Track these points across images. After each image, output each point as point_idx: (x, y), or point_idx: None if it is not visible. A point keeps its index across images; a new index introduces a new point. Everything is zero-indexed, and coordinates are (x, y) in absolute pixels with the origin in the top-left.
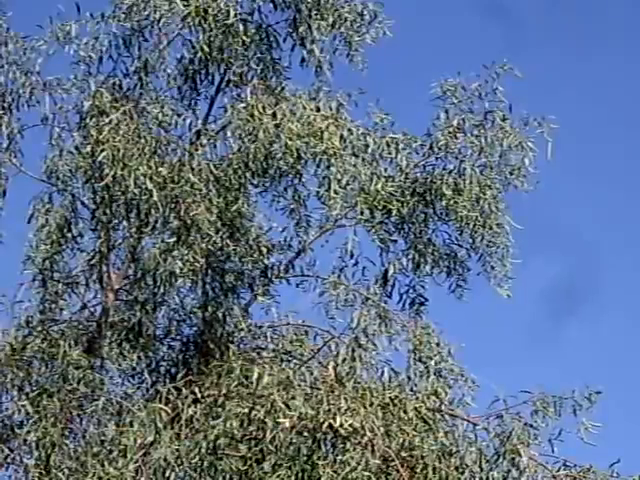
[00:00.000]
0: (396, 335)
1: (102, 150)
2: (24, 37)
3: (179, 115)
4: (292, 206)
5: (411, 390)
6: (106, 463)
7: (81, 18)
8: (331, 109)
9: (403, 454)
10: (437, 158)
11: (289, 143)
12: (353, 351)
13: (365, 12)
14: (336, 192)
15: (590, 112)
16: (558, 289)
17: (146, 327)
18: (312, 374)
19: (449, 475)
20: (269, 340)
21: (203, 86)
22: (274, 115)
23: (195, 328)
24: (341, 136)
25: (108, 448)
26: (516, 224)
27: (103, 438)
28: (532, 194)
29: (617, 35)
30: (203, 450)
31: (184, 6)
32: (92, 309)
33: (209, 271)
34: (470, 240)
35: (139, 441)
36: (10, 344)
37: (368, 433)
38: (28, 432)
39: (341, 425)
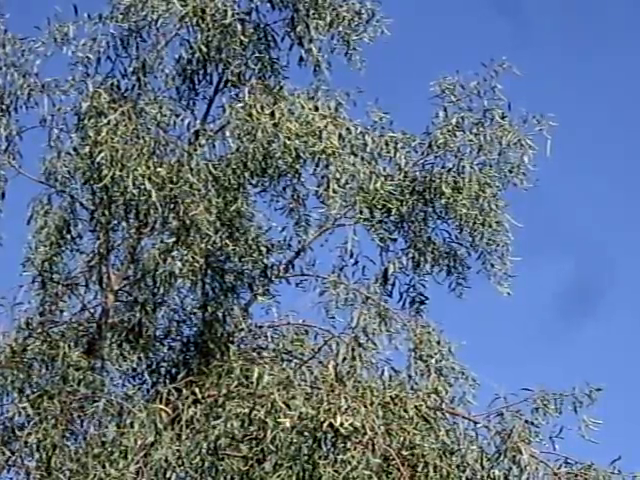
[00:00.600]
0: (396, 334)
1: (100, 151)
2: (22, 38)
3: (177, 115)
4: (291, 205)
5: (412, 389)
6: (107, 464)
7: (79, 19)
8: (329, 108)
9: (404, 453)
10: (436, 156)
11: (288, 142)
12: (353, 350)
13: (363, 11)
14: (335, 191)
15: (593, 109)
16: (563, 288)
17: (146, 328)
18: (312, 374)
19: (450, 473)
20: (269, 340)
21: (201, 86)
22: (272, 115)
23: (195, 328)
24: (340, 135)
25: (109, 449)
26: (523, 223)
27: (104, 439)
28: (542, 193)
29: (619, 34)
30: (204, 450)
31: (182, 6)
32: (92, 310)
33: (209, 271)
34: (470, 238)
35: (140, 442)
36: (10, 346)
37: (369, 432)
38: (29, 434)
39: (342, 424)
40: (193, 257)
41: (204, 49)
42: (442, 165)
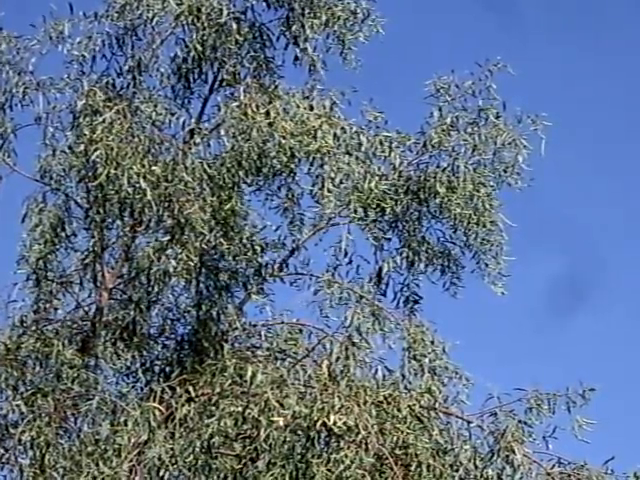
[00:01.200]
0: (390, 333)
1: (95, 149)
2: (17, 36)
3: (172, 114)
4: (286, 205)
5: (405, 388)
6: (100, 462)
7: (74, 17)
8: (324, 107)
9: (397, 452)
10: (431, 156)
11: (282, 142)
12: (347, 349)
13: (358, 10)
14: (330, 190)
15: (588, 108)
16: (555, 285)
17: (140, 326)
18: (306, 373)
19: (443, 473)
20: (263, 339)
21: (196, 85)
22: (267, 114)
23: (189, 327)
24: (334, 134)
25: (102, 447)
26: (516, 221)
27: (97, 437)
28: (534, 191)
29: (616, 32)
30: (197, 449)
31: (177, 5)
32: (86, 308)
33: (203, 270)
34: (464, 238)
35: (133, 440)
36: (4, 344)
37: (362, 431)
38: (22, 432)
39: (335, 423)
40: (187, 256)
41: (199, 48)
42: (437, 164)
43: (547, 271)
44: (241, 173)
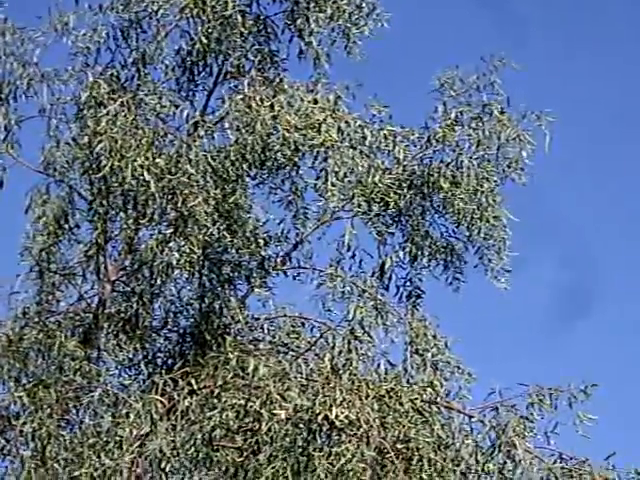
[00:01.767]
0: (392, 327)
1: (99, 141)
2: (22, 28)
3: (177, 106)
4: (289, 198)
5: (407, 382)
6: (102, 454)
7: (79, 9)
8: (329, 101)
9: (399, 446)
10: (435, 151)
11: (286, 135)
12: (349, 343)
13: (363, 4)
14: (333, 184)
15: (594, 107)
16: (558, 283)
17: (143, 318)
18: (308, 366)
19: (444, 467)
20: (266, 332)
21: (201, 77)
22: (272, 107)
23: (192, 320)
24: (339, 128)
25: (104, 439)
26: (522, 221)
27: (99, 429)
28: (540, 192)
29: (619, 30)
30: (199, 441)
31: None
32: (89, 300)
33: (206, 263)
34: (467, 233)
35: (135, 432)
36: (7, 335)
37: (364, 425)
38: (24, 423)
39: (337, 417)
40: (191, 248)
41: (204, 40)
42: (440, 159)
43: (550, 270)
44: (245, 166)
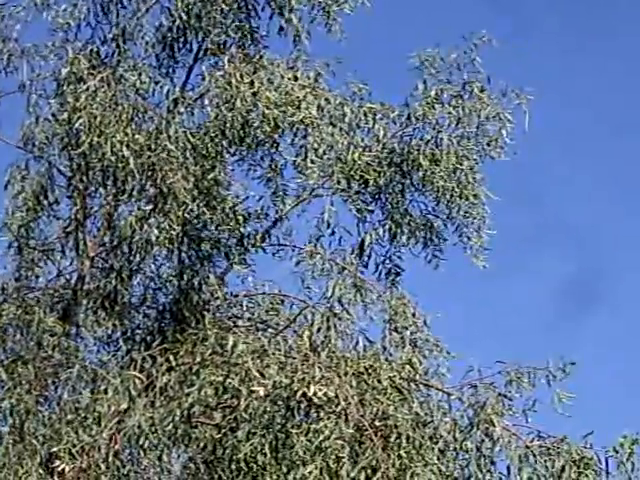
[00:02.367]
0: (371, 305)
1: (79, 117)
2: (2, 4)
3: (157, 83)
4: (269, 175)
5: (386, 360)
6: (80, 430)
7: None
8: (309, 78)
9: (377, 423)
10: (414, 128)
11: (266, 112)
12: (328, 320)
13: None
14: (313, 161)
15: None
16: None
17: (122, 295)
18: (287, 343)
19: (423, 445)
20: (245, 309)
21: (181, 54)
22: (252, 84)
23: (171, 296)
24: (318, 105)
25: (82, 415)
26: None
27: (77, 405)
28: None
29: (605, 9)
30: (177, 418)
31: None
32: (68, 276)
33: (185, 239)
34: (447, 211)
35: (113, 408)
36: None
37: (342, 402)
38: (2, 399)
39: (315, 394)
40: (170, 225)
41: (184, 17)
42: (420, 137)
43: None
44: (224, 143)
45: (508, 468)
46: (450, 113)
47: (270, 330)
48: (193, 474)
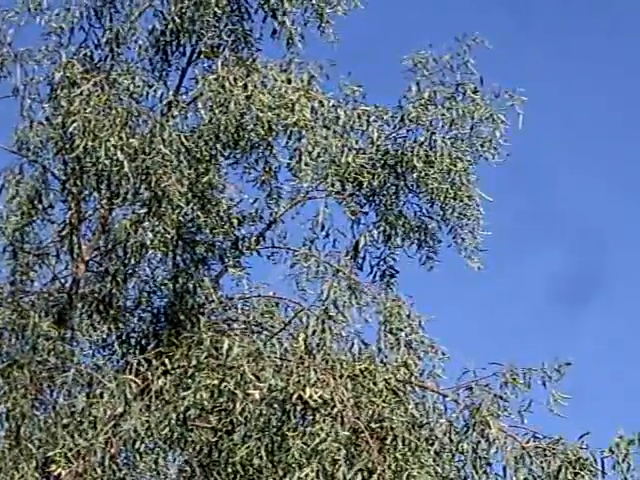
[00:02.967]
0: (366, 307)
1: (73, 121)
2: None
3: (150, 86)
4: (263, 178)
5: (381, 362)
6: (76, 434)
7: None
8: (302, 81)
9: (373, 425)
10: (408, 130)
11: (260, 115)
12: (323, 323)
13: None
14: (307, 164)
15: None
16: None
17: (116, 298)
18: (282, 346)
19: (419, 446)
20: (240, 312)
21: (174, 57)
22: (245, 87)
23: (166, 300)
24: (312, 108)
25: (78, 419)
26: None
27: (73, 409)
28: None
29: (596, 7)
30: (173, 421)
31: None
32: (62, 280)
33: (180, 242)
34: (441, 212)
35: (109, 412)
36: None
37: (338, 405)
38: None
39: (311, 397)
40: (164, 228)
41: (177, 20)
42: (414, 139)
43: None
44: (218, 146)
45: (504, 469)
46: (444, 115)
47: (265, 333)
48: (189, 477)
